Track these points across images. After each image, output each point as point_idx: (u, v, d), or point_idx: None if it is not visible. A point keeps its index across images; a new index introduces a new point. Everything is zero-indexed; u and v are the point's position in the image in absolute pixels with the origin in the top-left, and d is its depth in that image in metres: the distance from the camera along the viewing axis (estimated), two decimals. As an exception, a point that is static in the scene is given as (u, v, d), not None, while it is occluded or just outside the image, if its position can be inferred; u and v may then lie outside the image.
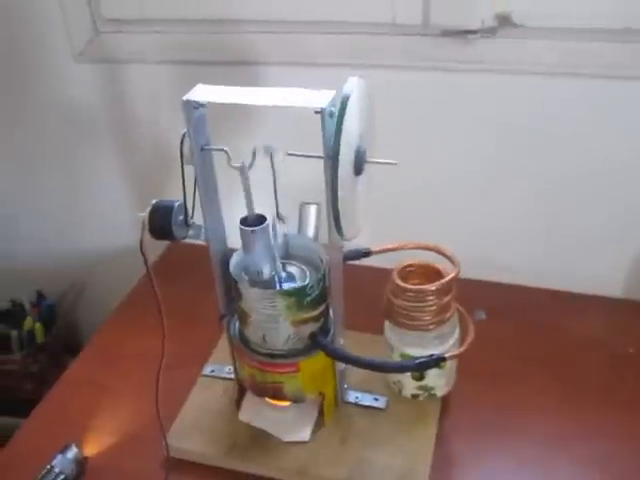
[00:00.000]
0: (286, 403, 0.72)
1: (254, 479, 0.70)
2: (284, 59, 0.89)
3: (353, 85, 0.55)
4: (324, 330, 0.68)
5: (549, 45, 0.80)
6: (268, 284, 0.65)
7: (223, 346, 0.81)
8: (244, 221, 0.63)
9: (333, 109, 0.54)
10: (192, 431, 0.74)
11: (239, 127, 0.87)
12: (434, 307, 0.68)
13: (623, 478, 0.70)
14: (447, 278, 0.68)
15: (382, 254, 0.71)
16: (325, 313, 0.68)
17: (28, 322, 1.19)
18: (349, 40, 0.87)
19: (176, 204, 0.62)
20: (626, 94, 0.80)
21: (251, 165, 0.60)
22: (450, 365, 0.73)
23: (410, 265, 0.71)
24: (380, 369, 0.69)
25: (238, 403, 0.76)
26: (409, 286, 0.68)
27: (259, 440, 0.72)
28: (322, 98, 0.54)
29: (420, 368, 0.66)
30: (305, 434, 0.72)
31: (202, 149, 0.61)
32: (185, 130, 0.59)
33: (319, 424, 0.73)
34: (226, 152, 0.59)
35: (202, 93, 0.59)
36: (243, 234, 0.63)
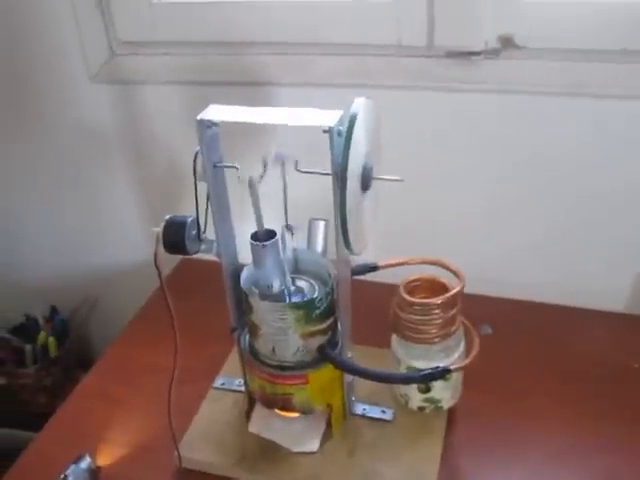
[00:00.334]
0: (295, 414, 0.73)
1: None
2: (292, 80, 0.92)
3: (360, 105, 0.57)
4: (332, 343, 0.70)
5: (550, 66, 0.82)
6: (278, 298, 0.67)
7: (233, 360, 0.83)
8: (255, 236, 0.65)
9: (341, 128, 0.56)
10: (203, 442, 0.75)
11: (250, 146, 0.89)
12: (440, 320, 0.70)
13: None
14: (452, 292, 0.69)
15: (389, 270, 0.72)
16: (333, 326, 0.70)
17: (42, 336, 1.21)
18: (356, 61, 0.89)
19: (189, 219, 0.64)
20: (626, 113, 0.82)
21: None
22: (456, 378, 0.74)
23: (416, 280, 0.73)
24: (386, 380, 0.71)
25: (248, 415, 0.77)
26: (415, 300, 0.70)
27: (268, 451, 0.73)
28: (330, 117, 0.56)
29: (425, 379, 0.68)
30: (314, 445, 0.73)
31: (215, 166, 0.63)
32: (198, 148, 0.62)
33: (327, 435, 0.74)
34: (237, 169, 0.61)
35: (215, 113, 0.61)
36: (254, 249, 0.65)
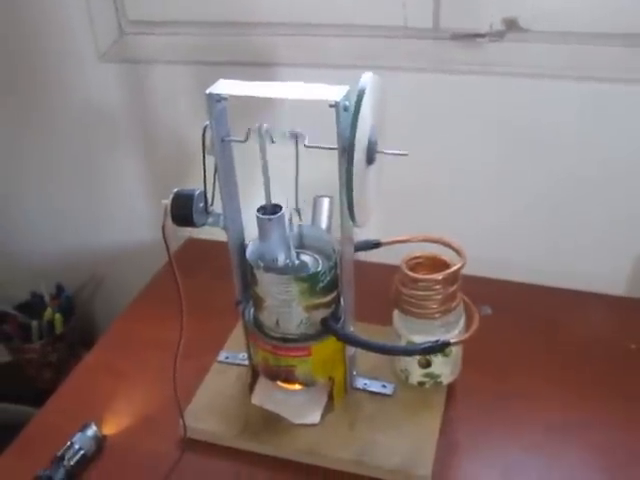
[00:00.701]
0: (297, 387, 0.75)
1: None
2: (299, 61, 0.93)
3: (367, 80, 0.58)
4: (335, 317, 0.71)
5: (554, 49, 0.83)
6: (283, 271, 0.68)
7: (237, 335, 0.84)
8: (261, 210, 0.66)
9: (347, 103, 0.57)
10: (206, 413, 0.77)
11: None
12: (440, 296, 0.71)
13: (623, 465, 0.72)
14: (453, 268, 0.70)
15: (391, 251, 0.73)
16: (336, 300, 0.71)
17: (48, 313, 1.22)
18: (362, 43, 0.91)
19: (197, 192, 0.66)
20: (629, 96, 0.83)
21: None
22: (455, 354, 0.76)
23: (418, 256, 0.74)
24: (388, 352, 0.72)
25: (251, 387, 0.79)
26: (417, 275, 0.71)
27: (270, 422, 0.75)
28: (337, 92, 0.57)
29: (426, 352, 0.69)
30: (315, 417, 0.74)
31: (222, 140, 0.64)
32: (207, 122, 0.63)
33: (329, 408, 0.75)
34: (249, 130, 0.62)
35: (224, 87, 0.62)
36: (260, 222, 0.66)
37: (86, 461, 0.73)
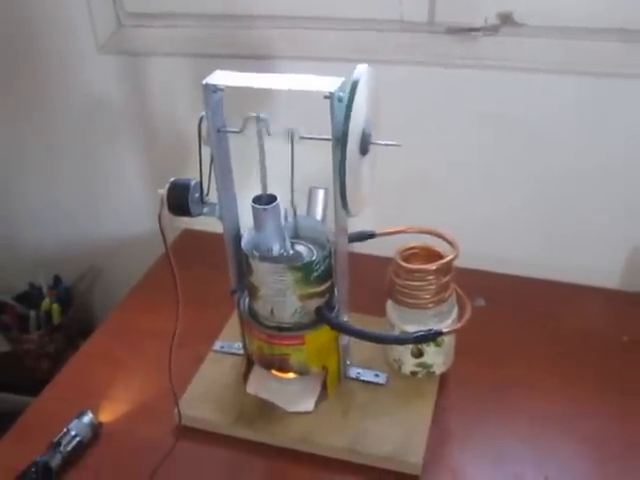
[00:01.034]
0: (291, 375, 0.76)
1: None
2: (295, 54, 0.94)
3: (362, 72, 0.59)
4: (329, 306, 0.72)
5: (549, 43, 0.84)
6: (277, 260, 0.69)
7: (232, 325, 0.85)
8: (257, 200, 0.67)
9: (341, 94, 0.58)
10: (201, 401, 0.77)
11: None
12: (433, 287, 0.72)
13: (615, 456, 0.72)
14: (447, 259, 0.71)
15: (386, 243, 0.74)
16: (330, 290, 0.72)
17: (46, 303, 1.23)
18: (358, 36, 0.91)
19: (193, 182, 0.66)
20: (623, 91, 0.84)
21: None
22: (448, 344, 0.77)
23: (412, 247, 0.75)
24: (381, 341, 0.73)
25: (245, 376, 0.79)
26: (410, 266, 0.72)
27: (265, 410, 0.76)
28: (331, 83, 0.58)
29: (418, 340, 0.70)
30: (309, 405, 0.75)
31: (219, 131, 0.65)
32: (204, 112, 0.64)
33: (322, 397, 0.76)
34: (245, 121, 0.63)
35: (220, 78, 0.63)
36: (255, 212, 0.67)
37: (82, 447, 0.74)
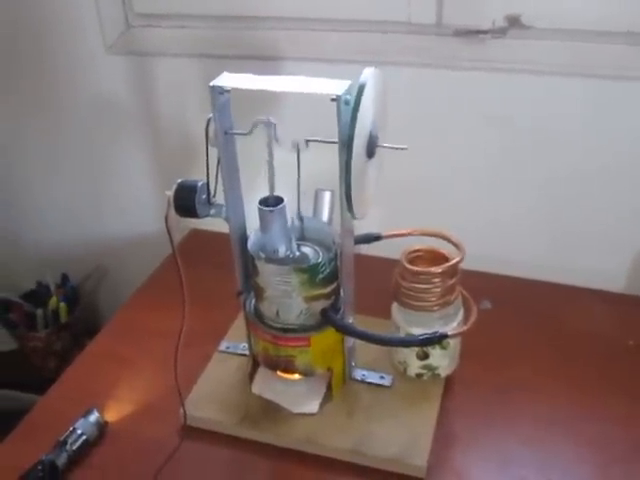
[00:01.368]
0: (297, 377, 0.76)
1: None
2: (303, 55, 0.94)
3: (369, 75, 0.59)
4: (335, 308, 0.72)
5: (556, 46, 0.84)
6: (283, 262, 0.69)
7: (238, 326, 0.86)
8: (263, 202, 0.67)
9: (348, 97, 0.58)
10: (207, 401, 0.78)
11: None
12: (439, 289, 0.72)
13: (620, 459, 0.72)
14: (452, 262, 0.71)
15: (391, 245, 0.74)
16: (336, 292, 0.72)
17: (53, 302, 1.23)
18: (366, 38, 0.91)
19: (200, 184, 0.67)
20: (629, 94, 0.84)
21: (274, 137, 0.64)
22: (453, 346, 0.77)
23: (418, 250, 0.75)
24: (386, 343, 0.73)
25: (251, 377, 0.80)
26: (416, 268, 0.72)
27: (270, 411, 0.76)
28: (338, 86, 0.58)
29: (424, 343, 0.70)
30: (314, 407, 0.75)
31: (226, 133, 0.65)
32: (211, 114, 0.64)
33: (327, 398, 0.76)
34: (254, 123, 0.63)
35: (227, 80, 0.63)
36: (262, 214, 0.67)
37: (88, 446, 0.74)
